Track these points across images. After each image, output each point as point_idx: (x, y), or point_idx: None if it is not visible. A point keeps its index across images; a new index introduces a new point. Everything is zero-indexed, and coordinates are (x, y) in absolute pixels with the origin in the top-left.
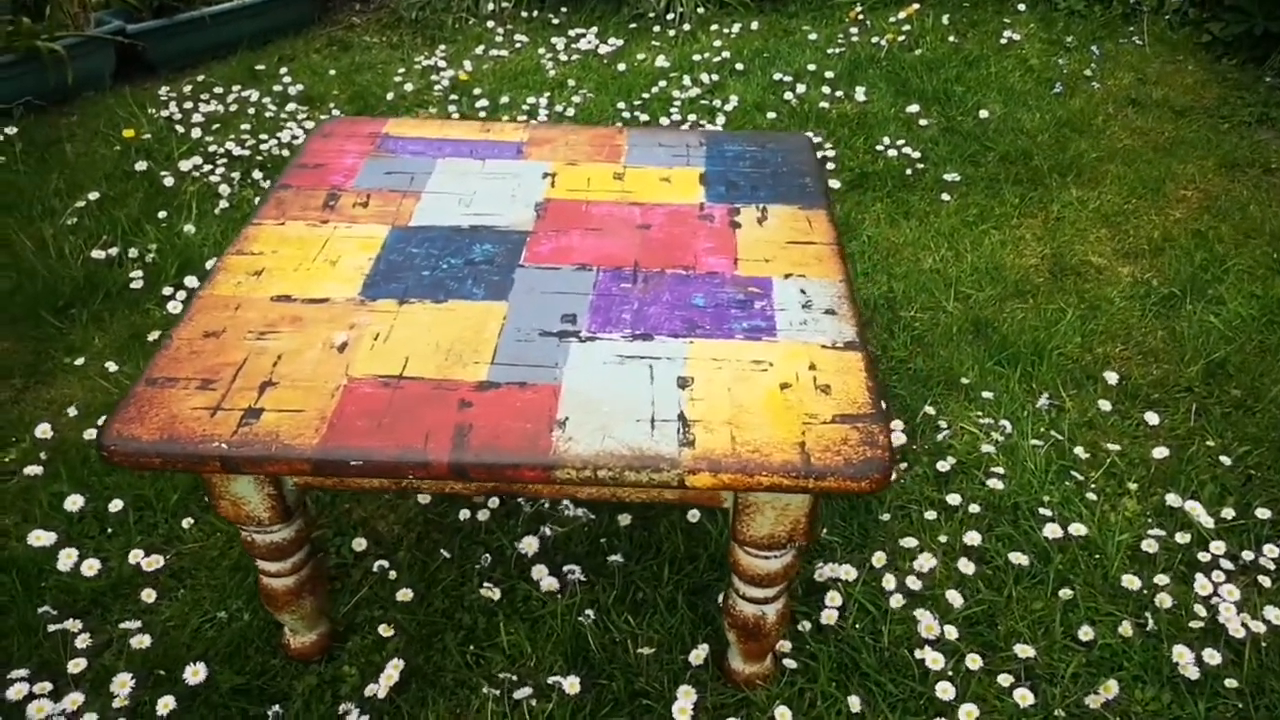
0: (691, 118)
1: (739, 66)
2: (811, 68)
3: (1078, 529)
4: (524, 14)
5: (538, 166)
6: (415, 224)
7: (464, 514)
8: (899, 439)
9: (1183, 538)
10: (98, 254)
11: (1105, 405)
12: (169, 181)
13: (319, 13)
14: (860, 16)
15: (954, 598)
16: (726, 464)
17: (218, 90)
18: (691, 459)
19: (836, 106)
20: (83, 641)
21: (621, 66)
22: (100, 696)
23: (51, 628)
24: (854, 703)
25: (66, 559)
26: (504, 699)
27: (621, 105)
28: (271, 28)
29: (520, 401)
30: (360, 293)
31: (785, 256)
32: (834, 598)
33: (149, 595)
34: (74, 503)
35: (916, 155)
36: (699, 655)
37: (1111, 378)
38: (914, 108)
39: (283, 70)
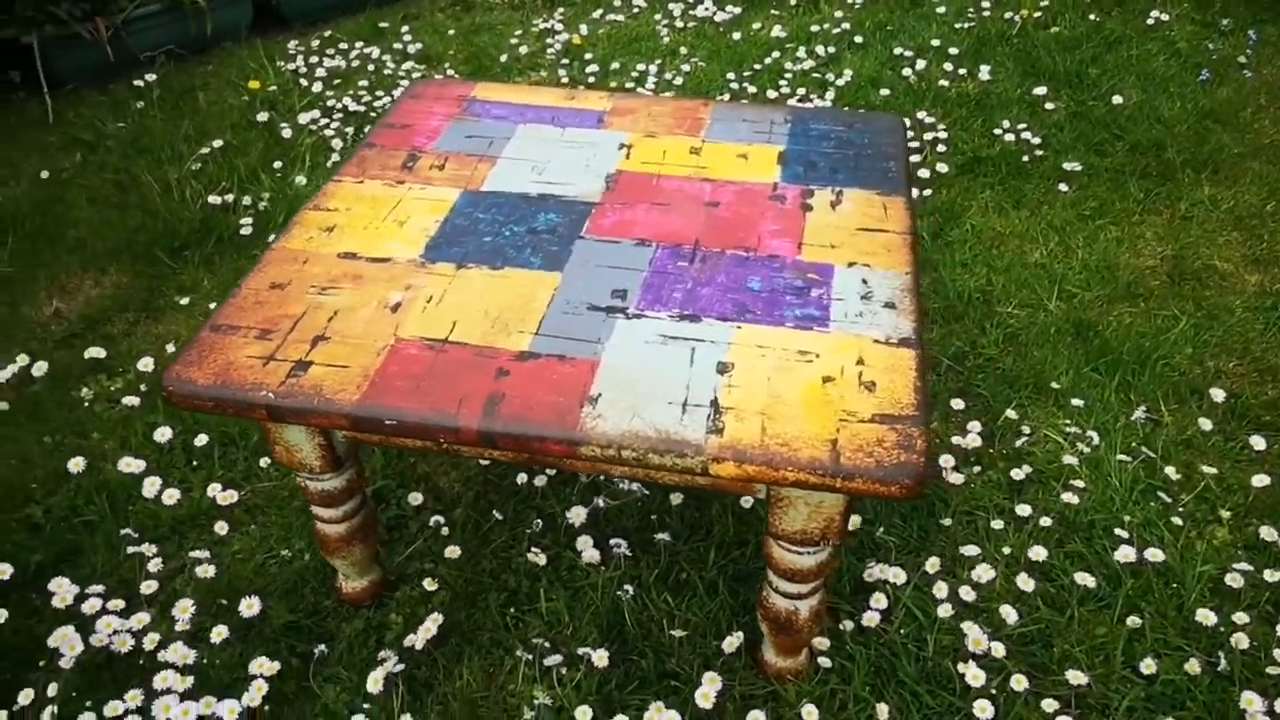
0: (800, 91)
1: (858, 39)
2: (935, 43)
3: (1155, 554)
4: None
5: (616, 137)
6: (486, 189)
7: (521, 478)
8: (974, 441)
9: (1272, 575)
10: (214, 199)
11: (1207, 424)
12: (287, 133)
13: None
14: None
15: (1008, 613)
16: (752, 455)
17: (342, 46)
18: (717, 447)
19: (957, 85)
20: (155, 565)
21: (736, 35)
22: (165, 619)
23: (130, 549)
24: (883, 710)
25: (150, 486)
26: (535, 664)
27: (731, 76)
28: None
29: (557, 374)
30: (422, 255)
31: (853, 244)
32: (879, 600)
33: (221, 528)
34: (163, 434)
35: (1036, 141)
36: (733, 643)
37: (1219, 395)
38: (1041, 90)
39: (405, 29)
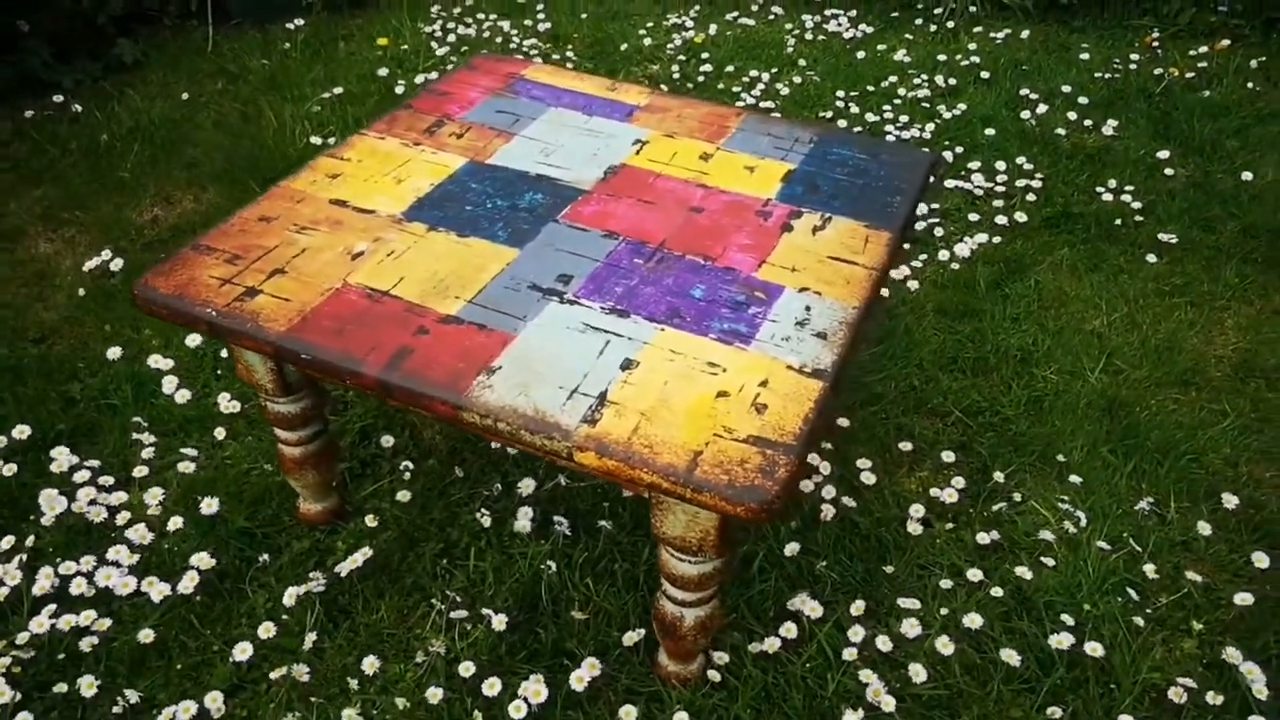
0: (904, 119)
1: (985, 74)
2: (1066, 89)
3: (1095, 648)
4: None
5: (635, 132)
6: (491, 162)
7: (497, 444)
8: (952, 496)
9: (1214, 698)
10: (316, 140)
11: (1206, 529)
12: (400, 90)
13: None
14: (1155, 44)
15: (917, 671)
16: (614, 450)
17: (479, 16)
18: (584, 436)
19: (1074, 136)
20: (150, 454)
21: (861, 54)
22: (140, 503)
23: (135, 436)
24: None
25: (169, 384)
26: (445, 614)
27: (840, 94)
28: None
29: (470, 342)
30: (403, 212)
31: (815, 270)
32: (789, 629)
33: (220, 433)
34: (194, 340)
35: (1138, 205)
36: (632, 638)
37: (1232, 501)
38: (1165, 153)
39: (540, 6)
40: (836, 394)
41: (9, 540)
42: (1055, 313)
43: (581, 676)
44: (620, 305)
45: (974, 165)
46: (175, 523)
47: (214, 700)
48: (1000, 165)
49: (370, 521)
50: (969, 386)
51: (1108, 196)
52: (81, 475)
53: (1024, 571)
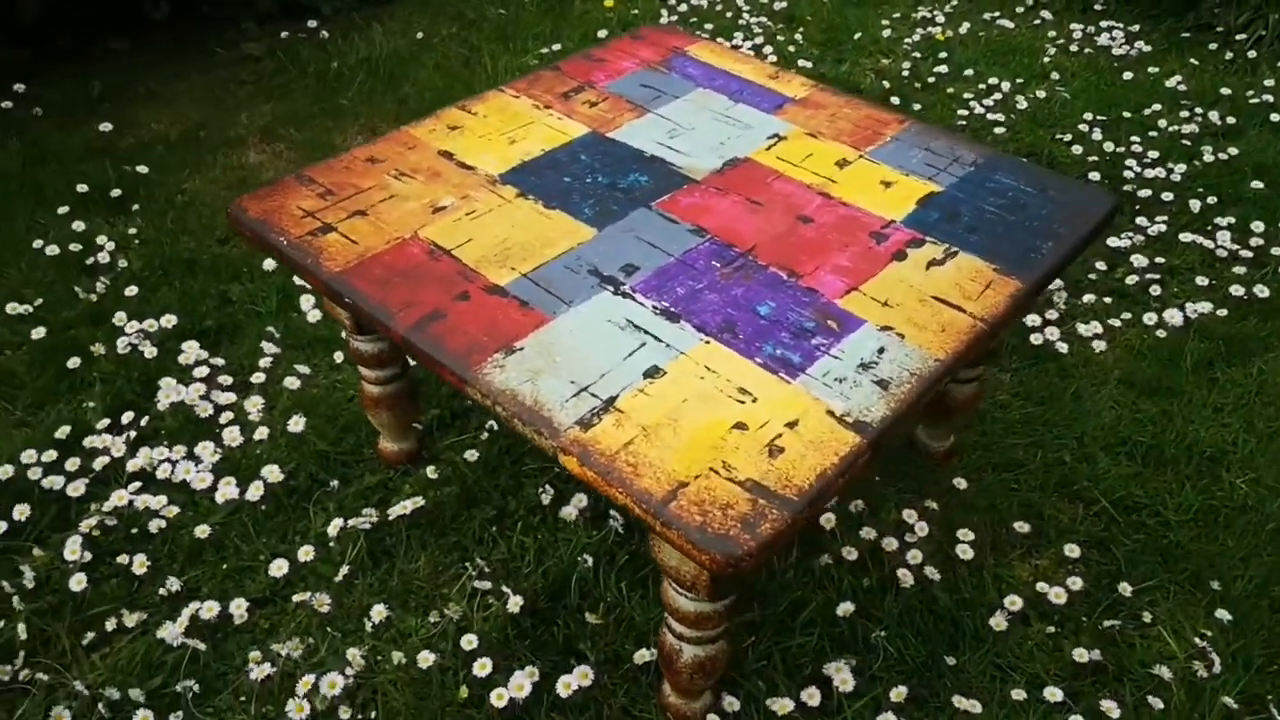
0: (1153, 154)
1: (1276, 117)
2: None
3: None
4: None
5: (777, 125)
6: (612, 135)
7: None
8: (1061, 597)
9: None
10: None
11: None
12: None
13: None
14: None
15: None
16: (596, 460)
17: None
18: (571, 439)
19: None
20: (268, 363)
21: (1128, 75)
22: (241, 406)
23: (264, 344)
24: None
25: (306, 302)
26: (469, 582)
27: (1088, 117)
28: None
29: (504, 316)
30: (501, 174)
31: (911, 309)
32: (813, 695)
33: (338, 357)
34: (269, 264)
35: None
36: (644, 656)
37: None
38: None
39: None
40: (877, 455)
41: (128, 415)
42: (1273, 412)
43: (570, 683)
44: (674, 308)
45: (1224, 221)
46: (262, 432)
47: (239, 607)
48: (1258, 226)
49: (431, 473)
50: (1131, 476)
51: None
52: (202, 371)
53: (1115, 709)
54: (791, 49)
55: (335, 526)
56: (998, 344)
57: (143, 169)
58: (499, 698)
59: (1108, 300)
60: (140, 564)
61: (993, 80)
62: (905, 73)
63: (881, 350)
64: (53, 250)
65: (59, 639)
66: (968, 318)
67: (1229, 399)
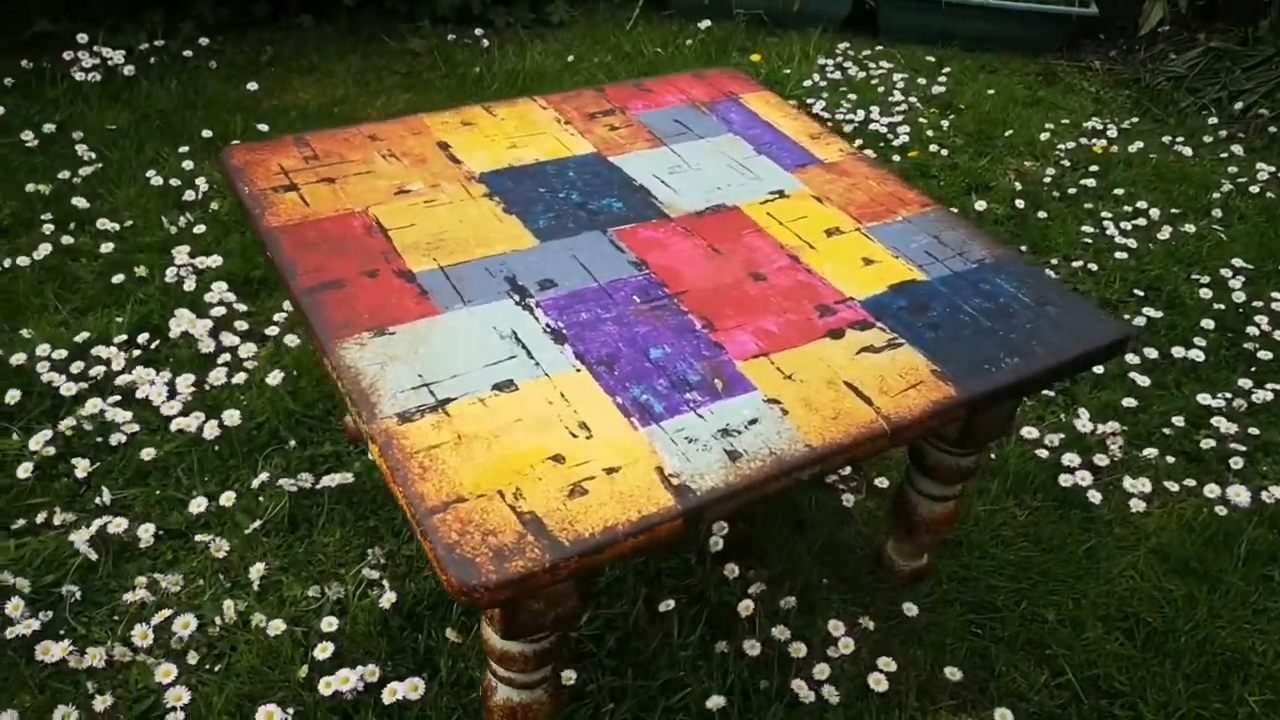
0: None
1: None
2: None
3: None
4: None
5: (788, 182)
6: (613, 160)
7: None
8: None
9: None
10: None
11: None
12: None
13: (1064, 42)
14: None
15: None
16: (393, 455)
17: (883, 63)
18: (381, 428)
19: None
20: (281, 317)
21: None
22: (235, 351)
23: (289, 305)
24: None
25: None
26: (363, 568)
27: (1234, 264)
28: (1014, 39)
29: (395, 302)
30: (483, 173)
31: (814, 390)
32: None
33: None
34: None
35: None
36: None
37: None
38: None
39: (947, 68)
40: (694, 526)
41: (144, 336)
42: None
43: (396, 690)
44: (567, 330)
45: None
46: (240, 379)
47: (146, 531)
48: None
49: (372, 454)
50: (1119, 656)
51: None
52: (219, 311)
53: None
54: (930, 133)
55: (260, 481)
56: (974, 465)
57: (264, 128)
58: (326, 685)
59: (1171, 460)
60: (83, 469)
61: (1142, 204)
62: (1047, 179)
63: (753, 422)
64: (157, 182)
65: None
66: (870, 412)
67: (1277, 605)
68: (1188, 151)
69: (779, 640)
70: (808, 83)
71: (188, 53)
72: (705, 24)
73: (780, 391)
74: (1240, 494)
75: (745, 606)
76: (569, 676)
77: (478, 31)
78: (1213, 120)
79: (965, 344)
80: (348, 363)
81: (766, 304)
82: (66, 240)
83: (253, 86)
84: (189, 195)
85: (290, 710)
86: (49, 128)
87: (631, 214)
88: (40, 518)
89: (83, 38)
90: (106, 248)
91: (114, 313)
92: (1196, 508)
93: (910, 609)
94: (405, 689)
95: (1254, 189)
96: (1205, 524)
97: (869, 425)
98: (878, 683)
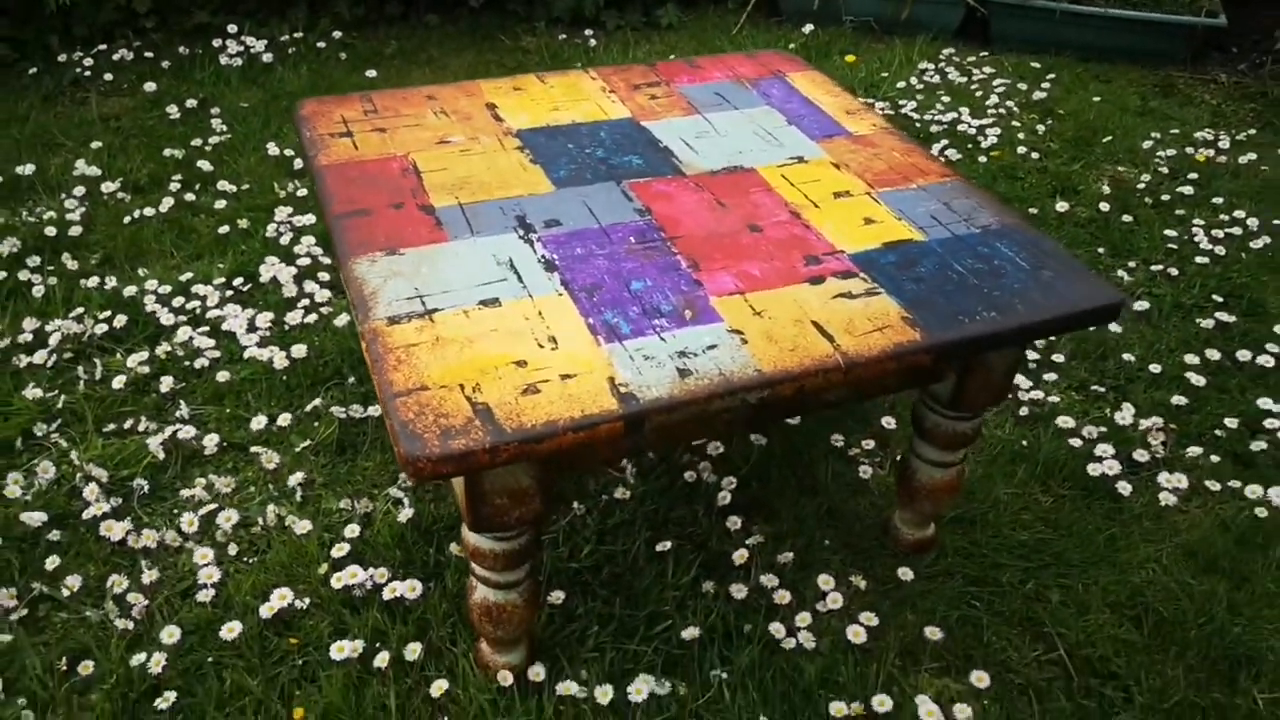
0: None
1: None
2: None
3: None
4: None
5: (811, 149)
6: (645, 124)
7: None
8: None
9: None
10: None
11: None
12: None
13: (1187, 54)
14: None
15: None
16: (377, 349)
17: (988, 69)
18: (371, 328)
19: None
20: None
21: None
22: (324, 288)
23: None
24: None
25: None
26: (391, 488)
27: None
28: (1133, 49)
29: (412, 229)
30: (519, 129)
31: (776, 326)
32: (606, 692)
33: None
34: None
35: None
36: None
37: None
38: None
39: (1052, 75)
40: (635, 432)
41: (239, 280)
42: None
43: (396, 589)
44: (560, 261)
45: None
46: (311, 319)
47: (211, 440)
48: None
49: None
50: (1121, 640)
51: None
52: (305, 261)
53: None
54: (1022, 136)
55: (313, 406)
56: (972, 431)
57: None
58: (337, 580)
59: (1216, 459)
60: (168, 386)
61: (1240, 214)
62: (1141, 185)
63: (711, 347)
64: (275, 152)
65: (86, 419)
66: (828, 348)
67: None
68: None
69: (767, 587)
70: (902, 84)
71: (321, 44)
72: (809, 28)
73: (746, 325)
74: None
75: (740, 555)
76: (557, 597)
77: (587, 32)
78: None
79: (944, 297)
80: (357, 274)
81: (756, 251)
82: (189, 197)
83: (372, 74)
84: (299, 164)
85: (306, 600)
86: (191, 103)
87: (649, 169)
88: (128, 424)
89: (232, 28)
90: (220, 204)
91: (217, 259)
92: (1237, 508)
93: (906, 574)
94: (404, 588)
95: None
96: (1242, 524)
97: (823, 359)
98: (856, 635)
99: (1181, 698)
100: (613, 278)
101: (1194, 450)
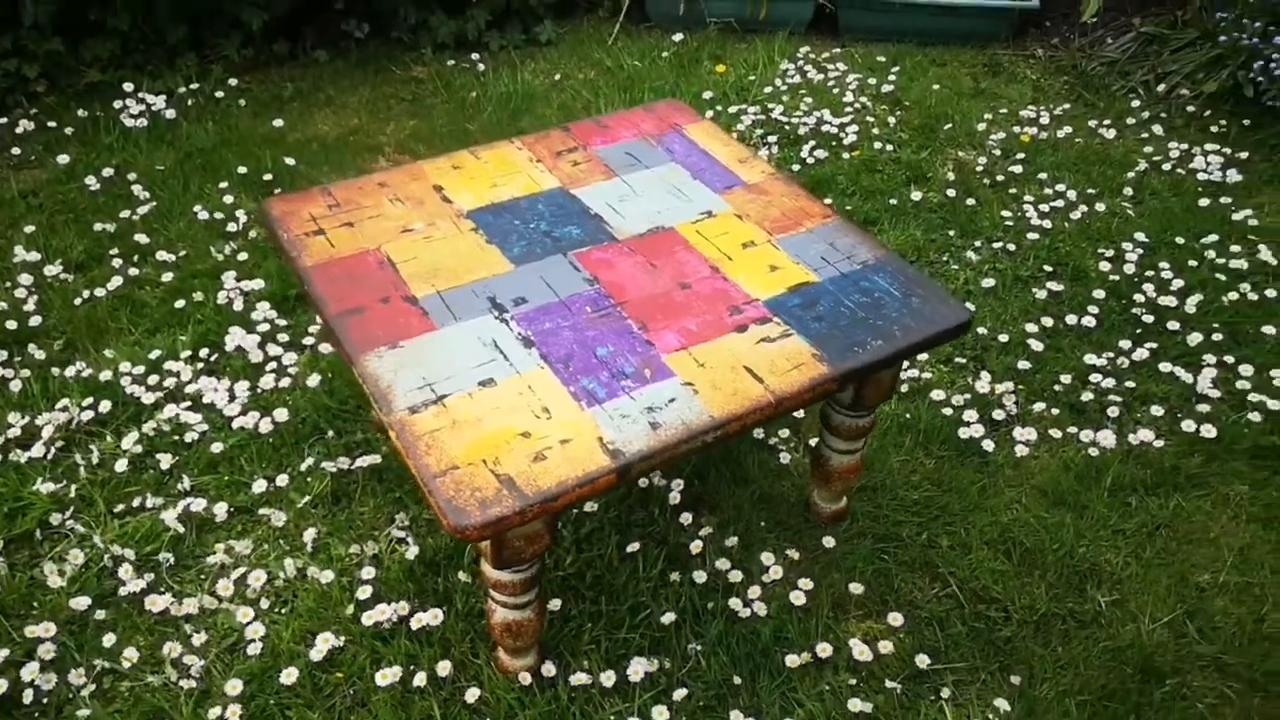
0: (1177, 285)
1: None
2: None
3: None
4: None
5: (716, 203)
6: (574, 192)
7: None
8: (864, 654)
9: None
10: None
11: None
12: (708, 114)
13: (1010, 33)
14: None
15: None
16: (406, 438)
17: (840, 65)
18: (398, 419)
19: None
20: (316, 328)
21: (1204, 202)
22: (280, 360)
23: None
24: None
25: None
26: (393, 529)
27: (1137, 238)
28: (961, 32)
29: (404, 321)
30: (470, 210)
31: (719, 374)
32: (610, 678)
33: None
34: None
35: None
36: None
37: None
38: None
39: (897, 67)
40: (626, 479)
41: (205, 350)
42: (1169, 546)
43: (422, 619)
44: (534, 337)
45: (1212, 359)
46: (284, 382)
47: (220, 508)
48: (1246, 370)
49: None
50: (996, 571)
51: None
52: (264, 327)
53: None
54: (877, 130)
55: (307, 465)
56: (869, 423)
57: (291, 161)
58: (368, 618)
59: (1056, 412)
60: (166, 462)
61: (1060, 187)
62: (980, 168)
63: (671, 400)
64: (204, 216)
65: (97, 503)
66: (761, 389)
67: (1131, 525)
68: (1111, 134)
69: (722, 570)
70: (769, 88)
71: (219, 93)
72: (679, 36)
73: (694, 376)
74: (1107, 437)
75: (696, 546)
76: (555, 604)
77: (474, 56)
78: (1137, 103)
79: (842, 332)
80: (370, 371)
81: (689, 308)
82: (133, 272)
83: (279, 123)
84: (231, 226)
85: (342, 639)
86: (107, 171)
87: (587, 238)
88: (135, 502)
89: (128, 86)
90: (167, 276)
91: (178, 332)
92: (1075, 451)
93: (829, 541)
94: (429, 618)
95: (1166, 166)
96: (1079, 464)
97: (759, 399)
98: (797, 599)
99: (1046, 609)
100: (580, 346)
101: (1039, 406)
